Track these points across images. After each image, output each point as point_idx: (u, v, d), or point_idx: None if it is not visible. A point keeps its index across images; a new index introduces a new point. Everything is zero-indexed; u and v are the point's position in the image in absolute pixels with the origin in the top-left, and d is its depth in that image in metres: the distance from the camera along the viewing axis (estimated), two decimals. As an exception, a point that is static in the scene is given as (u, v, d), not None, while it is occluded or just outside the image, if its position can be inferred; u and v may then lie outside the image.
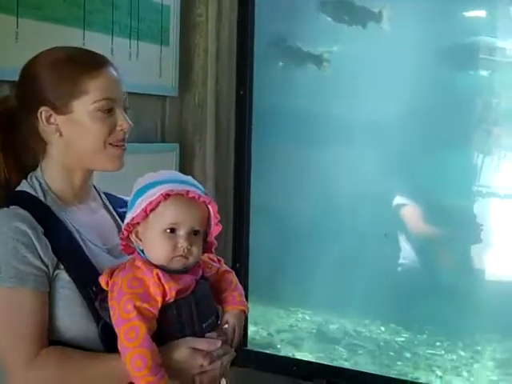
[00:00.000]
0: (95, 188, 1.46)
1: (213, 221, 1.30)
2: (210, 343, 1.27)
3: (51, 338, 1.24)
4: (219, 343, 1.27)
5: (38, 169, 1.37)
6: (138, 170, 1.34)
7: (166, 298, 1.22)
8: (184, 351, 1.24)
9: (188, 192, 1.24)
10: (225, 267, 1.41)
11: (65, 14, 2.06)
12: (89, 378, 1.23)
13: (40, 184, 1.34)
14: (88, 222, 1.37)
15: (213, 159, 2.56)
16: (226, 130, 2.59)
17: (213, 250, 1.35)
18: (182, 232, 1.24)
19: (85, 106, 1.30)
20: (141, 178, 1.30)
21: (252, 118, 2.61)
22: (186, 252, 1.24)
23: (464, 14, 3.35)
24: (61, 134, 1.32)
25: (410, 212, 3.20)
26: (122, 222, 1.41)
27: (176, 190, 1.23)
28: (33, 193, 1.32)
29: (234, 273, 1.42)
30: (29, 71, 1.35)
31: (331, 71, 3.24)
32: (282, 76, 3.16)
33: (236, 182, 2.61)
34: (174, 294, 1.22)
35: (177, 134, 2.52)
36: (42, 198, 1.32)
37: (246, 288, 2.65)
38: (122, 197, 1.49)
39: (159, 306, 1.21)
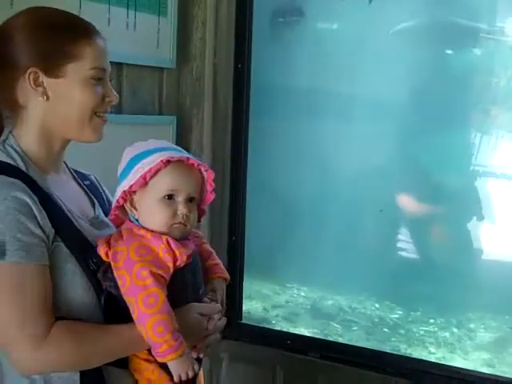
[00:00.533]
0: (64, 161, 1.41)
1: (208, 188, 1.30)
2: (212, 308, 1.31)
3: (54, 314, 1.20)
4: (219, 307, 1.32)
5: (10, 136, 1.29)
6: (134, 142, 1.32)
7: (177, 264, 1.22)
8: (194, 316, 1.27)
9: (188, 159, 1.25)
10: (202, 240, 1.42)
11: (61, -19, 2.03)
12: (104, 350, 1.22)
13: (17, 152, 1.27)
14: (67, 194, 1.32)
15: (210, 133, 2.55)
16: (224, 103, 2.57)
17: (200, 219, 1.35)
18: (180, 198, 1.24)
19: (79, 71, 1.26)
20: (129, 147, 1.29)
21: (250, 91, 2.59)
22: (185, 219, 1.25)
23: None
24: (47, 98, 1.26)
25: (407, 190, 3.20)
26: (92, 194, 1.42)
27: (176, 157, 1.23)
28: (12, 162, 1.25)
29: (208, 244, 1.44)
30: (12, 29, 1.27)
31: (331, 46, 3.23)
32: (280, 50, 3.14)
33: (233, 155, 2.60)
34: (184, 258, 1.23)
35: (174, 106, 2.51)
36: (23, 168, 1.25)
37: (242, 261, 2.65)
38: (81, 170, 1.48)
39: (171, 271, 1.22)
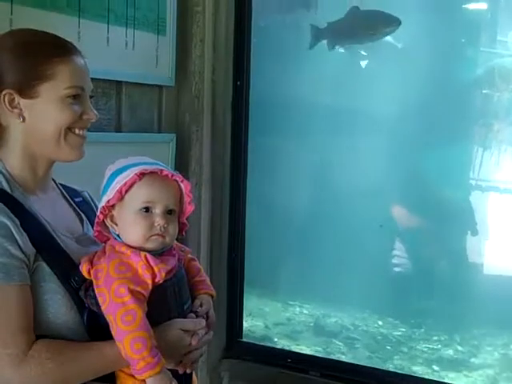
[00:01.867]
0: (52, 178, 1.41)
1: (186, 200, 1.30)
2: (196, 323, 1.30)
3: (36, 333, 1.21)
4: (204, 323, 1.31)
5: None
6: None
7: (156, 280, 1.22)
8: (175, 332, 1.26)
9: (162, 170, 1.25)
10: (190, 255, 1.42)
11: (60, 1, 2.04)
12: (85, 369, 1.22)
13: (2, 173, 1.28)
14: (53, 213, 1.33)
15: (209, 150, 2.55)
16: (223, 120, 2.57)
17: (183, 233, 1.35)
18: (157, 210, 1.25)
19: (54, 91, 1.26)
20: (111, 164, 1.30)
21: (249, 108, 2.60)
22: (163, 231, 1.25)
23: (465, 7, 3.34)
24: (24, 119, 1.27)
25: (409, 206, 3.19)
26: (81, 211, 1.42)
27: (150, 169, 1.24)
28: None
29: (197, 261, 1.44)
30: None
31: (330, 63, 3.24)
32: (279, 66, 3.15)
33: (232, 172, 2.60)
34: (163, 275, 1.23)
35: (173, 124, 2.51)
36: (8, 190, 1.26)
37: (242, 278, 2.64)
38: (74, 186, 1.48)
39: (150, 288, 1.22)
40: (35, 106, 1.26)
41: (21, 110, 1.26)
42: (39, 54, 1.27)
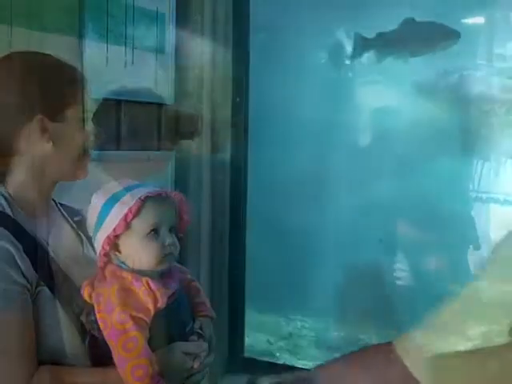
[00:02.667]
0: (52, 199, 1.43)
1: (183, 216, 1.32)
2: (198, 346, 1.30)
3: (38, 358, 1.20)
4: (205, 346, 1.31)
5: None
6: (133, 179, 1.33)
7: (158, 305, 1.22)
8: (177, 356, 1.27)
9: (166, 192, 1.27)
10: (189, 275, 1.43)
11: (59, 22, 2.05)
12: None
13: (5, 198, 1.28)
14: (54, 235, 1.33)
15: (209, 168, 2.55)
16: (222, 137, 2.58)
17: None
18: (164, 230, 1.26)
19: (77, 114, 1.30)
20: (95, 193, 1.29)
21: (248, 126, 2.60)
22: (173, 248, 1.26)
23: (464, 21, 3.35)
24: (54, 143, 1.29)
25: (409, 219, 3.19)
26: (80, 231, 1.42)
27: (154, 192, 1.25)
28: None
29: (197, 282, 1.44)
30: (6, 78, 1.29)
31: (331, 79, 3.25)
32: (278, 83, 3.16)
33: (232, 189, 2.60)
34: (165, 300, 1.23)
35: (173, 142, 2.51)
36: (9, 213, 1.26)
37: (243, 296, 2.64)
38: (71, 205, 1.48)
39: (152, 313, 1.21)
40: (63, 129, 1.29)
41: (50, 134, 1.28)
42: (63, 80, 1.31)
